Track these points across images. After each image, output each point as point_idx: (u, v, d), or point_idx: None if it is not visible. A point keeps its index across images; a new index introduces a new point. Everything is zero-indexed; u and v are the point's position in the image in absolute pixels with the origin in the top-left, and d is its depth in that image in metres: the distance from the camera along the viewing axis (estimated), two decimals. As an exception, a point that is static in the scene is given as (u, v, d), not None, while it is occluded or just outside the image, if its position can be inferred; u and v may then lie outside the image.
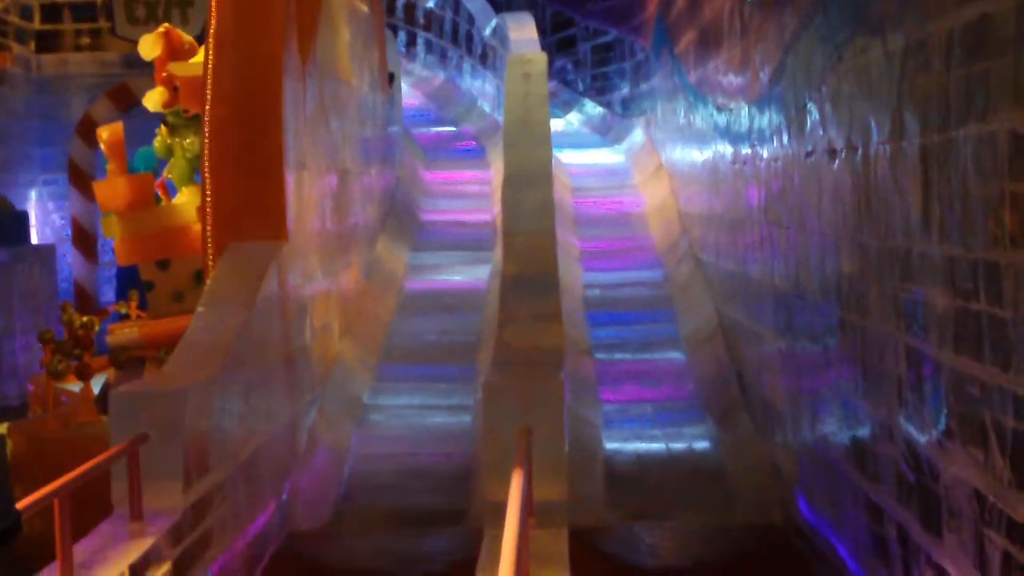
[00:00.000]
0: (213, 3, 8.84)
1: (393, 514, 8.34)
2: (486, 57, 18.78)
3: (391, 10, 20.61)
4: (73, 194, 17.89)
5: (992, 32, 4.20)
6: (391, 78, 14.74)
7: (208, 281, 8.09)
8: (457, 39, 20.26)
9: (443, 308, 12.09)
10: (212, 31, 8.70)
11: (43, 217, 18.06)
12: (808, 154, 7.07)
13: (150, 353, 9.42)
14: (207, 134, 8.61)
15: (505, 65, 14.65)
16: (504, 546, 4.28)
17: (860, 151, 5.93)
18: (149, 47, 10.29)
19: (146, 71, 11.03)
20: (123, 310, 10.54)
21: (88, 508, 5.91)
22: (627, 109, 17.85)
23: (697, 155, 11.81)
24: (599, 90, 19.15)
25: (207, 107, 8.64)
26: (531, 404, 6.90)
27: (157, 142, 10.37)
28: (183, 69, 10.00)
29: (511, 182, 11.25)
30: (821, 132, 6.74)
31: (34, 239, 17.34)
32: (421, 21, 21.37)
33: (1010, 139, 4.05)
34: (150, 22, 17.17)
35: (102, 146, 10.30)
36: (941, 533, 4.86)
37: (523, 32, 16.39)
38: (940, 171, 4.76)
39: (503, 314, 8.76)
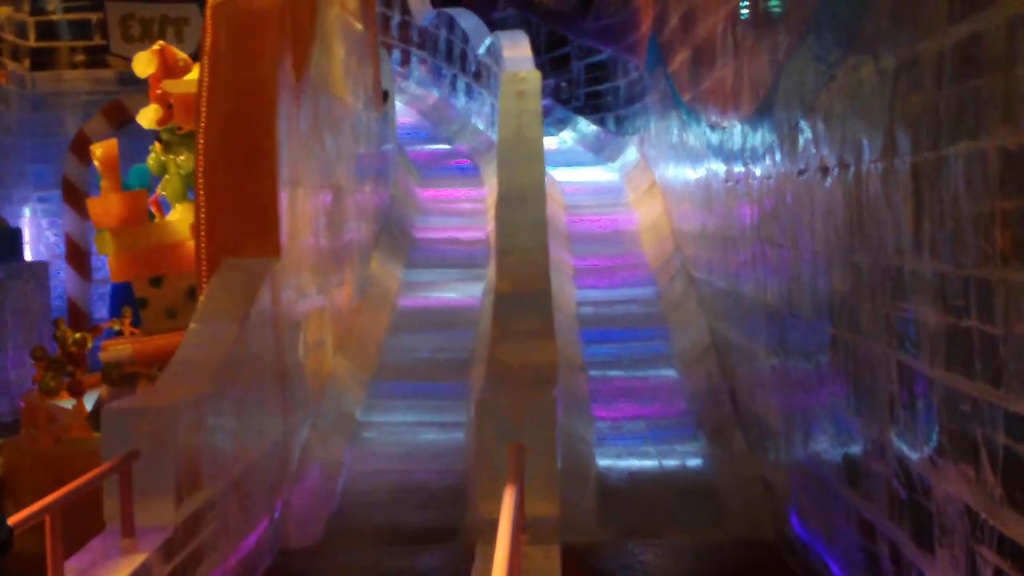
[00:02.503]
0: (207, 21, 8.86)
1: (386, 531, 8.33)
2: (480, 75, 18.81)
3: (385, 28, 20.66)
4: (67, 211, 17.89)
5: (982, 50, 4.22)
6: (385, 96, 14.77)
7: (201, 298, 8.10)
8: (451, 57, 20.30)
9: (436, 325, 12.09)
10: (206, 48, 8.72)
11: (37, 234, 18.06)
12: (800, 172, 7.09)
13: (143, 370, 9.41)
14: (201, 151, 8.62)
15: (499, 83, 14.68)
16: (495, 563, 4.28)
17: (852, 169, 5.95)
18: (144, 65, 10.31)
19: (140, 88, 11.05)
20: (116, 327, 10.52)
21: (80, 524, 5.90)
22: (621, 127, 17.88)
23: (690, 173, 11.83)
24: (593, 108, 19.19)
25: (201, 124, 8.65)
26: (524, 421, 6.90)
27: (151, 159, 10.37)
28: (177, 86, 10.01)
29: (505, 200, 11.27)
30: (813, 150, 6.76)
31: (27, 256, 17.33)
32: (415, 39, 21.42)
33: (1000, 156, 4.07)
34: (145, 40, 17.20)
35: (96, 163, 10.30)
36: (933, 550, 4.87)
37: (517, 50, 16.42)
38: (931, 189, 4.78)
39: (496, 331, 8.76)
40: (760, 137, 8.28)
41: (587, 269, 13.55)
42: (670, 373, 10.92)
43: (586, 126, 19.19)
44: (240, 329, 7.63)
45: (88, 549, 5.88)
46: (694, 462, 9.23)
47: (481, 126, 18.57)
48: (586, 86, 19.51)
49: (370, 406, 10.38)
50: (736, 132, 9.19)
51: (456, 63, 20.05)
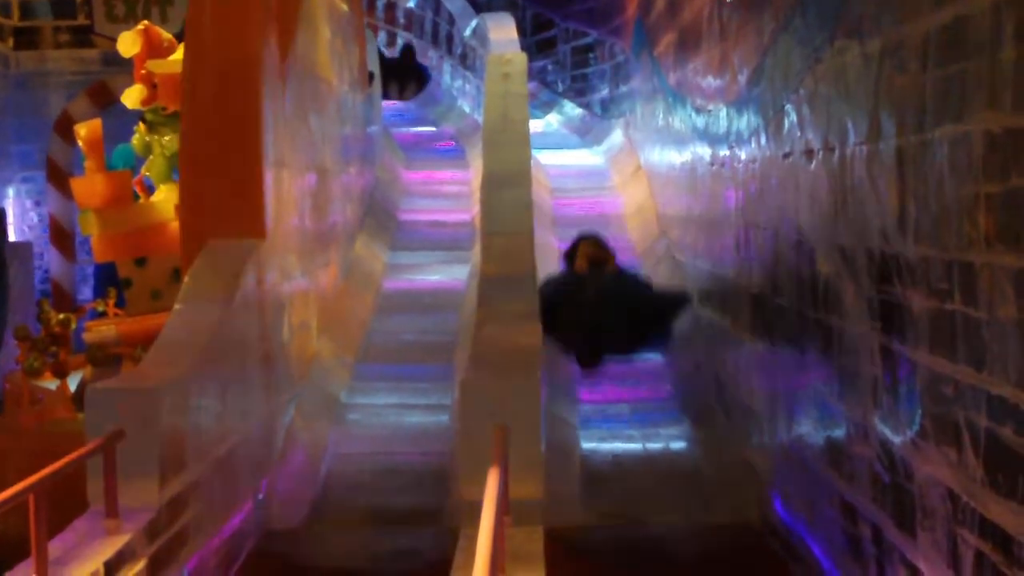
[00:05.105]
0: (192, 0, 8.82)
1: (370, 513, 8.34)
2: (466, 57, 18.78)
3: (371, 10, 20.61)
4: (51, 191, 17.82)
5: (967, 34, 4.22)
6: (371, 77, 14.73)
7: (185, 279, 8.08)
8: (437, 39, 20.26)
9: (421, 307, 12.09)
10: (190, 28, 8.68)
11: (21, 214, 17.98)
12: (786, 155, 7.10)
13: (127, 350, 9.40)
14: (185, 131, 8.59)
15: (485, 65, 14.65)
16: (479, 544, 4.28)
17: (837, 152, 5.96)
18: (128, 44, 10.26)
19: (125, 68, 11.00)
20: (100, 307, 10.50)
21: (63, 505, 5.89)
22: (606, 110, 17.87)
23: (676, 157, 11.83)
24: (579, 91, 19.17)
25: (185, 104, 8.62)
26: (508, 402, 6.89)
27: (135, 139, 10.33)
28: (162, 67, 9.97)
29: (490, 182, 11.26)
30: (798, 133, 6.77)
31: (11, 236, 17.25)
32: (401, 21, 21.37)
33: (984, 140, 4.07)
34: (129, 19, 17.11)
35: (80, 143, 10.26)
36: (915, 532, 4.89)
37: (503, 33, 16.39)
38: (916, 172, 4.79)
39: (481, 313, 8.76)
40: (745, 120, 8.28)
41: (572, 252, 13.52)
42: (654, 357, 10.94)
43: (572, 109, 19.18)
44: (225, 310, 7.62)
45: (71, 529, 5.87)
46: (678, 445, 9.25)
47: (467, 108, 18.54)
48: (572, 69, 19.48)
49: (355, 388, 10.38)
50: (722, 115, 9.19)
51: (442, 45, 20.01)
